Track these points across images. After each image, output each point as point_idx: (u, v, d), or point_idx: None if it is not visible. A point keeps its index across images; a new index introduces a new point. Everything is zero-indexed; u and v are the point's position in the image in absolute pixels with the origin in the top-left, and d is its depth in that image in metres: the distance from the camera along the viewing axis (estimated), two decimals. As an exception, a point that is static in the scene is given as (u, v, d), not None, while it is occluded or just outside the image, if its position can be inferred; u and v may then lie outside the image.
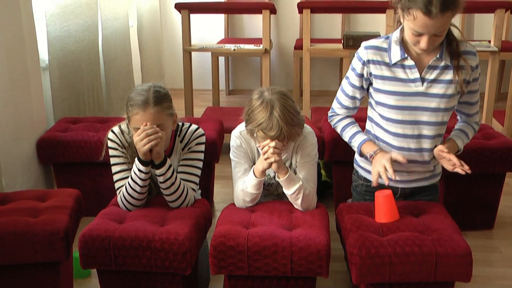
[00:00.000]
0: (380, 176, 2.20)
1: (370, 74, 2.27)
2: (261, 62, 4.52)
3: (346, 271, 2.51)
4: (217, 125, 3.16)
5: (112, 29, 4.11)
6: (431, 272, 2.01)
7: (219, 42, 5.23)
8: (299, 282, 2.15)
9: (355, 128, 2.41)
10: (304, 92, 4.24)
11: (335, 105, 2.46)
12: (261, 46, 4.22)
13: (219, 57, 5.35)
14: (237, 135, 2.40)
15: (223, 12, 5.31)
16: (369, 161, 2.31)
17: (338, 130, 2.46)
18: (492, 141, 2.90)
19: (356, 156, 2.49)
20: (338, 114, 2.46)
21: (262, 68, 4.31)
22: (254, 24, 5.52)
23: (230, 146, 2.42)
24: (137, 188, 2.28)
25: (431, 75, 2.21)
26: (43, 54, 3.27)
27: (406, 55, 2.20)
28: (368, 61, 2.25)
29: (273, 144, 2.20)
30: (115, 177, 2.37)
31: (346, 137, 2.43)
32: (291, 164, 2.41)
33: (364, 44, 2.28)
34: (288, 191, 2.30)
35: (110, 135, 2.38)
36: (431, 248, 2.01)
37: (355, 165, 2.52)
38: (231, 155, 2.42)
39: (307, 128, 2.41)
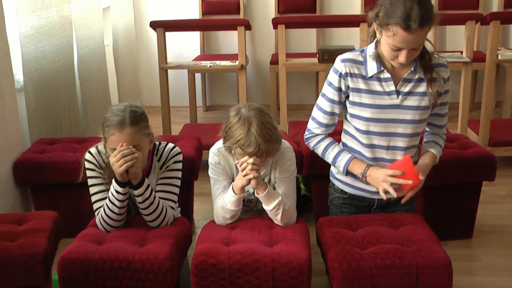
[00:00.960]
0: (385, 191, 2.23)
1: (348, 87, 2.27)
2: (238, 78, 4.53)
3: (328, 285, 2.51)
4: (195, 142, 3.15)
5: (88, 49, 4.09)
6: (413, 283, 2.02)
7: (195, 59, 5.24)
8: (282, 298, 2.15)
9: (337, 148, 2.36)
10: (281, 106, 4.25)
11: (311, 125, 2.40)
12: (237, 62, 4.24)
13: (196, 74, 5.36)
14: (215, 152, 2.40)
15: (199, 29, 5.32)
16: (362, 179, 2.29)
17: (319, 151, 2.39)
18: (468, 150, 2.94)
19: (332, 169, 2.50)
20: (316, 135, 2.40)
21: (239, 83, 4.32)
22: (229, 40, 5.54)
23: (209, 163, 2.42)
24: (115, 209, 2.26)
25: (406, 88, 2.24)
26: (18, 76, 3.24)
27: (382, 68, 2.22)
28: (346, 74, 2.25)
29: (251, 160, 2.20)
30: (93, 198, 2.35)
31: (329, 158, 2.37)
32: (270, 179, 2.42)
33: (340, 57, 2.28)
34: (268, 207, 2.30)
35: (87, 156, 2.36)
36: (411, 259, 2.03)
37: (331, 178, 2.53)
38: (210, 173, 2.42)
39: (285, 143, 2.41)
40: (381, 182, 2.21)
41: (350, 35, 5.20)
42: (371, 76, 2.24)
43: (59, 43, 3.62)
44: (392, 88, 2.24)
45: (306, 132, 2.44)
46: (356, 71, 2.25)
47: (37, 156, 2.98)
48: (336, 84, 2.28)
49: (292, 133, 3.74)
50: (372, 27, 2.20)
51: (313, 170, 2.97)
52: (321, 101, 2.36)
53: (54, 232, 2.33)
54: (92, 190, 2.35)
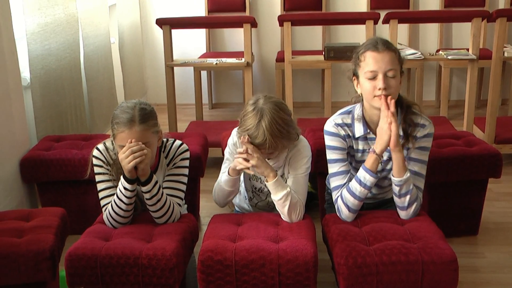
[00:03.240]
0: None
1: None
2: (244, 75, 4.54)
3: (334, 281, 2.52)
4: (201, 139, 3.16)
5: (94, 46, 4.11)
6: (418, 280, 2.03)
7: (201, 57, 5.24)
8: (288, 294, 2.16)
9: (350, 177, 2.36)
10: (287, 104, 4.25)
11: (335, 184, 2.36)
12: (243, 59, 4.24)
13: (202, 72, 5.36)
14: (235, 134, 2.48)
15: (204, 26, 5.33)
16: (376, 153, 2.25)
17: (348, 196, 2.29)
18: (473, 148, 2.93)
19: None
20: (343, 187, 2.34)
21: (245, 81, 4.33)
22: (235, 37, 5.55)
23: (227, 143, 2.53)
24: (123, 206, 2.27)
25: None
26: (25, 73, 3.26)
27: (368, 131, 2.35)
28: (345, 136, 2.37)
29: (249, 148, 2.28)
30: (101, 195, 2.36)
31: (356, 188, 2.27)
32: (283, 174, 2.45)
33: (331, 123, 2.40)
34: (275, 197, 2.33)
35: (95, 152, 2.38)
36: (417, 256, 2.03)
37: (327, 183, 2.66)
38: (225, 150, 2.54)
39: (303, 141, 2.46)
40: (383, 133, 2.20)
41: (356, 33, 5.20)
42: (358, 137, 2.37)
43: (65, 41, 3.64)
44: None
45: (335, 192, 2.37)
46: (349, 133, 2.39)
47: (43, 153, 2.99)
48: (342, 146, 2.38)
49: (297, 131, 3.74)
50: (353, 81, 2.37)
51: (318, 167, 2.97)
52: (332, 167, 2.38)
53: (61, 228, 2.35)
54: (99, 186, 2.36)
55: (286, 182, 2.43)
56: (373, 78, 2.23)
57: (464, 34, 5.29)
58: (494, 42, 3.91)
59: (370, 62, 2.23)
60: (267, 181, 2.32)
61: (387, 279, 2.03)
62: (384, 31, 4.74)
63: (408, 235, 2.17)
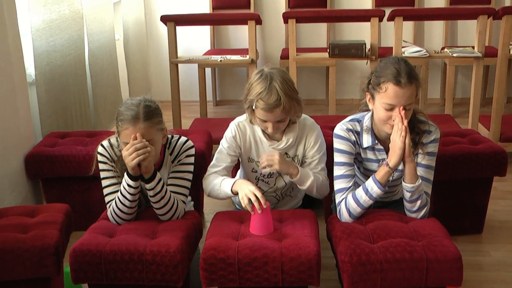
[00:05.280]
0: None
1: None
2: (248, 73, 4.53)
3: (337, 279, 2.52)
4: (205, 136, 3.16)
5: (98, 43, 4.11)
6: (422, 277, 2.02)
7: (205, 54, 5.24)
8: (291, 291, 2.16)
9: (355, 182, 2.38)
10: (291, 101, 4.25)
11: (339, 186, 2.35)
12: (248, 56, 4.23)
13: (206, 69, 5.36)
14: (234, 127, 2.55)
15: (209, 23, 5.32)
16: (388, 167, 2.25)
17: (351, 203, 2.29)
18: (479, 146, 2.93)
19: None
20: (347, 190, 2.34)
21: (249, 78, 4.32)
22: (240, 34, 5.54)
23: (224, 135, 2.57)
24: (127, 203, 2.27)
25: None
26: (30, 69, 3.26)
27: (376, 141, 2.37)
28: (355, 142, 2.38)
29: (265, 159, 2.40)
30: (105, 191, 2.36)
31: (361, 196, 2.27)
32: (296, 154, 2.54)
33: (342, 127, 2.40)
34: (303, 187, 2.47)
35: (100, 149, 2.38)
36: (421, 254, 2.03)
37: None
38: (221, 142, 2.58)
39: (309, 119, 2.57)
40: (396, 148, 2.21)
41: (361, 30, 5.18)
42: (366, 147, 2.40)
43: (70, 37, 3.64)
44: (384, 156, 2.37)
45: (338, 196, 2.36)
46: (358, 140, 2.41)
47: (48, 149, 3.00)
48: (351, 150, 2.38)
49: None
50: (367, 97, 2.34)
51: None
52: (338, 171, 2.37)
53: (65, 224, 2.35)
54: (104, 183, 2.37)
55: (299, 163, 2.54)
56: (390, 109, 2.22)
57: (469, 31, 5.27)
58: (500, 40, 3.90)
59: (390, 95, 2.19)
60: (292, 178, 2.44)
61: (391, 277, 2.02)
62: (389, 28, 4.73)
63: (413, 233, 2.16)
